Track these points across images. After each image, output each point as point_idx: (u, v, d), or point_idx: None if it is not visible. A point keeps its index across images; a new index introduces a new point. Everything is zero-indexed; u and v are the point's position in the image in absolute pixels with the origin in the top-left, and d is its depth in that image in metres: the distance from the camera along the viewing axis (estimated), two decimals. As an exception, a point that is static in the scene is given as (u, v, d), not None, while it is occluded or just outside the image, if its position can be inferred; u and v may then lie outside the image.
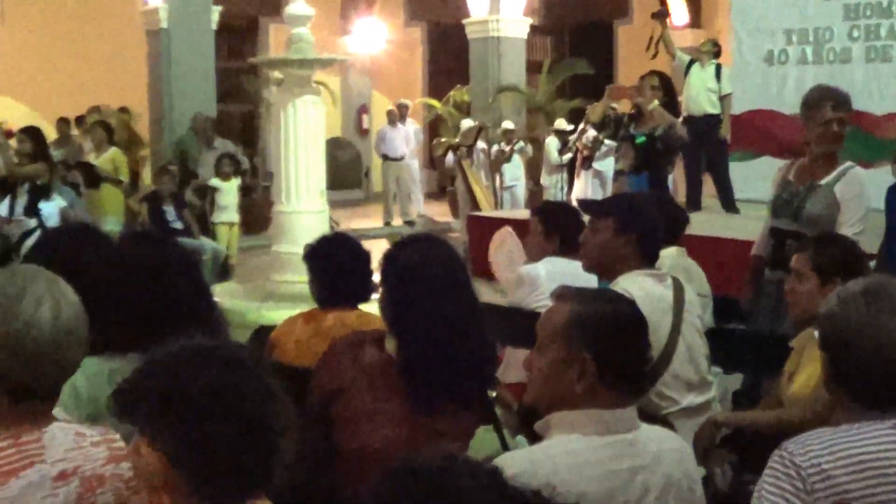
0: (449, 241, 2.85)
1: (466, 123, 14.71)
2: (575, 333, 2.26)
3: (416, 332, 2.69)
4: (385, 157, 16.57)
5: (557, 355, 2.28)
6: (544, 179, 14.27)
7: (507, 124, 14.61)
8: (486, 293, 6.36)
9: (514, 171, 14.25)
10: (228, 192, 11.28)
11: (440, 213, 17.28)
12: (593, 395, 2.25)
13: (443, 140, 17.23)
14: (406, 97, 17.99)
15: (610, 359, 2.25)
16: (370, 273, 4.00)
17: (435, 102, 19.01)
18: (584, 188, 12.83)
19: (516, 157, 14.27)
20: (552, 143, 14.04)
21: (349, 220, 15.82)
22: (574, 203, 4.91)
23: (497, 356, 2.97)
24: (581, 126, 13.21)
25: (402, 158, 16.48)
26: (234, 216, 11.33)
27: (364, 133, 20.57)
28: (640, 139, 7.51)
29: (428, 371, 2.69)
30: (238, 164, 11.88)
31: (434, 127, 19.71)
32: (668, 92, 8.00)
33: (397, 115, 16.80)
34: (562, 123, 14.24)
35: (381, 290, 2.78)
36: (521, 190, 14.46)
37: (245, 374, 1.70)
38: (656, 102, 7.62)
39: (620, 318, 2.27)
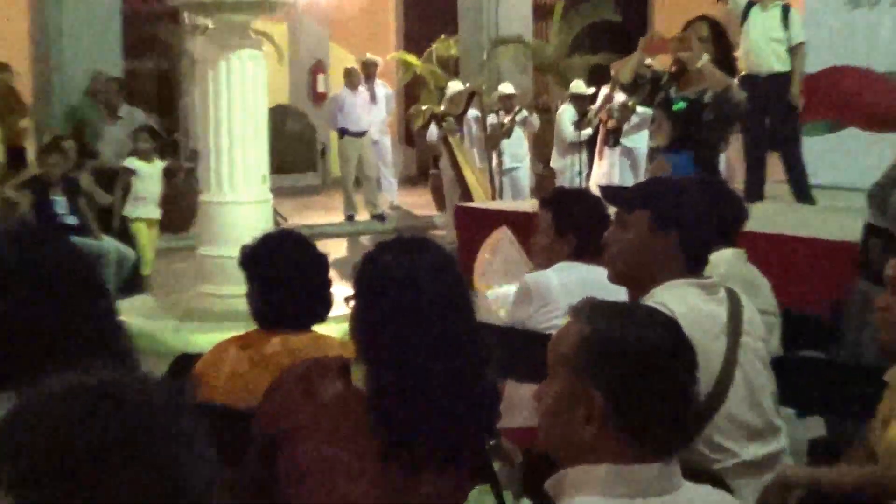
0: (443, 246, 2.93)
1: (454, 86, 14.58)
2: (581, 362, 2.29)
3: (395, 359, 2.74)
4: (343, 132, 16.34)
5: (562, 388, 2.31)
6: (556, 160, 14.13)
7: (507, 88, 14.50)
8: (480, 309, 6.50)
9: (517, 150, 14.17)
10: (150, 178, 11.11)
11: (420, 203, 17.14)
12: (612, 445, 2.27)
13: (423, 108, 17.47)
14: (374, 52, 17.87)
15: (628, 397, 2.26)
16: (328, 284, 4.07)
17: (412, 59, 19.02)
18: (608, 171, 12.72)
19: (519, 131, 14.17)
20: (567, 112, 13.88)
21: (300, 213, 15.77)
22: (595, 191, 4.86)
23: (498, 394, 3.02)
24: (605, 90, 13.10)
25: (364, 133, 16.32)
26: (155, 211, 11.19)
27: (319, 99, 20.66)
28: (679, 105, 7.48)
29: (408, 411, 2.71)
30: (160, 140, 11.83)
31: (412, 91, 19.75)
32: (722, 44, 7.95)
33: (359, 76, 16.59)
34: (579, 86, 14.08)
35: (353, 304, 2.85)
36: (526, 174, 14.34)
37: (157, 420, 1.65)
38: (706, 58, 7.53)
39: (646, 343, 2.28)
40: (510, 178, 14.21)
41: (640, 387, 2.25)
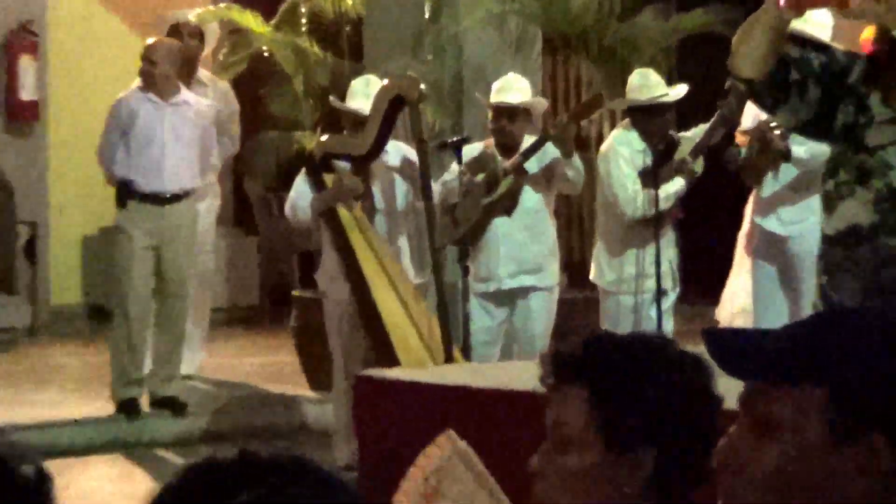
0: (336, 474, 2.18)
1: (363, 87, 8.92)
2: None
3: None
4: (128, 192, 10.00)
5: None
6: (603, 267, 9.20)
7: (510, 88, 8.93)
8: None
9: (530, 245, 9.02)
10: None
11: (265, 369, 11.66)
12: None
13: (282, 137, 11.45)
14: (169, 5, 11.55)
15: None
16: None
17: (250, 20, 11.77)
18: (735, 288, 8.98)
19: (536, 197, 8.97)
20: (622, 150, 9.00)
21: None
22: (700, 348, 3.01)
23: None
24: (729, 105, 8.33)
25: (182, 197, 10.18)
26: None
27: (20, 115, 13.77)
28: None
29: None
30: None
31: (248, 98, 12.80)
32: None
33: (170, 66, 10.01)
34: (649, 84, 9.04)
35: None
36: (551, 303, 8.97)
37: None
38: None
39: None
40: (520, 310, 8.82)
41: None
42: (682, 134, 8.89)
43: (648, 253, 8.87)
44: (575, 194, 9.78)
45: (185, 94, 10.28)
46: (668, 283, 8.82)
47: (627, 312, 8.95)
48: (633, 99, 9.03)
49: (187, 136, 10.23)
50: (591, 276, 9.30)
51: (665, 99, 8.95)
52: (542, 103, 9.09)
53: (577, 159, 8.91)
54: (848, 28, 6.62)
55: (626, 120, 9.16)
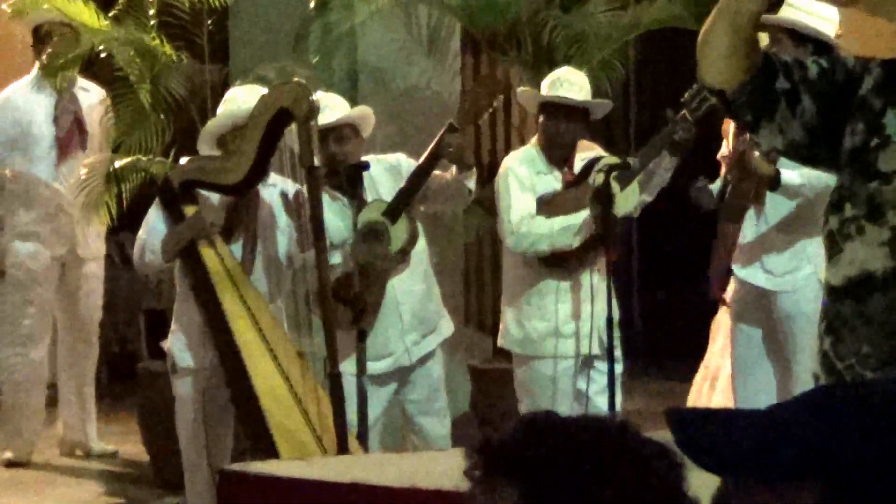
0: None
1: (240, 98, 7.61)
2: None
3: None
4: None
5: None
6: (507, 324, 7.89)
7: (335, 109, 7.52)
8: None
9: (424, 298, 7.79)
10: None
11: (107, 461, 10.06)
12: None
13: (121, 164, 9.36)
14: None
15: None
16: None
17: (79, 11, 10.27)
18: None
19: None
20: (521, 167, 7.71)
21: None
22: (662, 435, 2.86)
23: None
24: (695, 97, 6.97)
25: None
26: None
27: None
28: None
29: None
30: None
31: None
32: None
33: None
34: (564, 83, 7.62)
35: None
36: (440, 368, 7.75)
37: None
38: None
39: None
40: (420, 382, 7.53)
41: None
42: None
43: (565, 304, 7.64)
44: (461, 209, 8.23)
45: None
46: (594, 347, 7.58)
47: (545, 382, 7.66)
48: (538, 94, 7.67)
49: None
50: (499, 339, 8.07)
51: (576, 102, 7.56)
52: (369, 116, 7.69)
53: (470, 180, 7.63)
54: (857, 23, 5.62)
55: (536, 140, 7.86)
